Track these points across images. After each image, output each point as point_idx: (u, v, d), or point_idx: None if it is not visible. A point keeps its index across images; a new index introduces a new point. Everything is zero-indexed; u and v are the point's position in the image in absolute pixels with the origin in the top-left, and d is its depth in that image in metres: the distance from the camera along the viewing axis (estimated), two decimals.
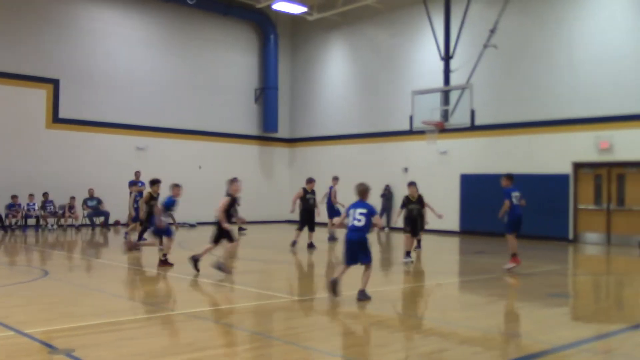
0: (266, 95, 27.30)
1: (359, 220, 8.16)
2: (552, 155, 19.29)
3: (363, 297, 8.08)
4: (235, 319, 7.00)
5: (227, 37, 26.64)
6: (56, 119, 21.95)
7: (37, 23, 21.66)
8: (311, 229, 15.26)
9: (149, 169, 22.85)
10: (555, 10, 19.51)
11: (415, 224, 13.35)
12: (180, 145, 24.82)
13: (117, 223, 22.36)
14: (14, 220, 20.28)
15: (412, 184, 13.61)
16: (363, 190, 8.42)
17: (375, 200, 23.30)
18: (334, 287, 8.17)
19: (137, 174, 19.84)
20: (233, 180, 10.57)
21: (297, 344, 5.96)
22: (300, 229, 15.35)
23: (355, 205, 8.31)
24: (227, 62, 26.61)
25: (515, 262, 11.65)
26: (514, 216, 11.85)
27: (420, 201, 13.49)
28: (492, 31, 18.98)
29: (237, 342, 5.99)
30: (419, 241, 15.10)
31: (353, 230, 8.18)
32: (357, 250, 8.17)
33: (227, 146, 26.27)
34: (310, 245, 15.10)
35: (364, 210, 8.20)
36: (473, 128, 18.73)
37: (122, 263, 12.27)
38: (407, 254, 13.02)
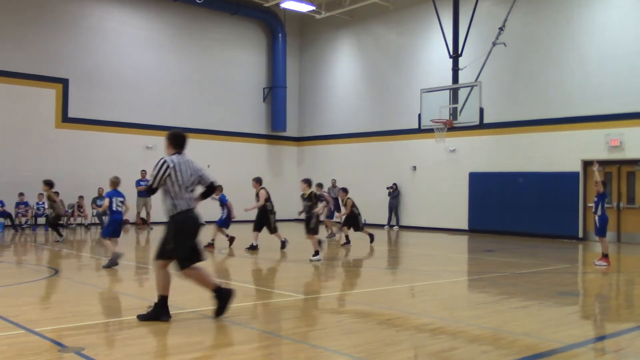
0: (274, 94, 27.33)
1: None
2: (561, 153, 19.20)
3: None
4: (244, 318, 7.01)
5: (235, 36, 26.69)
6: (65, 118, 22.09)
7: (47, 23, 21.79)
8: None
9: None
10: (564, 8, 19.41)
11: (306, 222, 12.91)
12: (189, 144, 24.78)
13: (126, 222, 22.41)
14: (23, 220, 20.41)
15: (303, 181, 13.39)
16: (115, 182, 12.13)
17: (384, 199, 23.31)
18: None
19: (143, 173, 20.07)
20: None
21: (306, 342, 5.96)
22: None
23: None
24: (235, 61, 26.66)
25: None
26: None
27: (310, 198, 12.95)
28: (501, 29, 18.95)
29: (246, 341, 6.00)
30: (319, 242, 12.96)
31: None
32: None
33: (235, 145, 26.32)
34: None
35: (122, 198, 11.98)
36: (482, 126, 18.70)
37: (131, 262, 12.32)
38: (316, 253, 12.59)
